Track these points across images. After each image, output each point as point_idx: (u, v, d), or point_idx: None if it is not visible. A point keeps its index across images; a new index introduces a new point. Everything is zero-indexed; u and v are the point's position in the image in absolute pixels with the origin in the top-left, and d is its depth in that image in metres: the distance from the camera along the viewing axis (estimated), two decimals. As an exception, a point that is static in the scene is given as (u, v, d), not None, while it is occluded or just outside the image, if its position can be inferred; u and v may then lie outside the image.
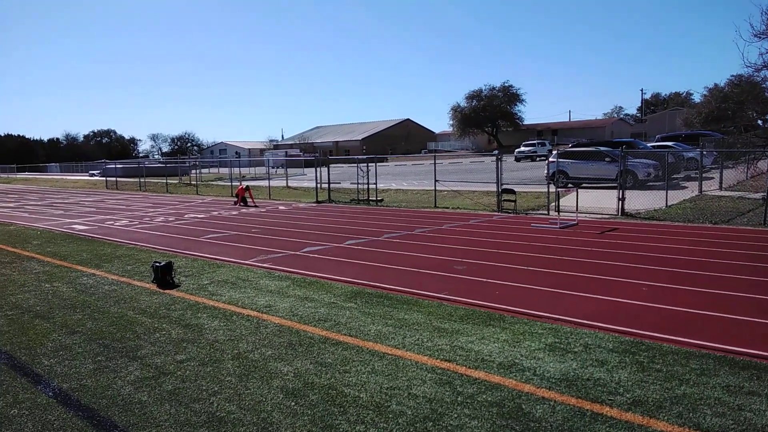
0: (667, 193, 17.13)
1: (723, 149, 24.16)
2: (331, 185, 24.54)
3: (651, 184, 21.12)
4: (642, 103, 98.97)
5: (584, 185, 21.06)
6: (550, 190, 17.52)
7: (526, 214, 17.14)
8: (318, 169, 25.50)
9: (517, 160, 51.75)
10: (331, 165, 26.03)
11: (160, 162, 61.39)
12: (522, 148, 54.64)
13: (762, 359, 5.12)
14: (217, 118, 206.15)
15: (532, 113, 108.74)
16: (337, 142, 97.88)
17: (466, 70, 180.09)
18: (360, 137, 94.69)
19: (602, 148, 23.79)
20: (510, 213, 17.41)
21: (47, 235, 15.05)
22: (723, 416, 4.11)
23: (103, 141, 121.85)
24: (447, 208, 19.53)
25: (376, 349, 5.67)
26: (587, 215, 15.88)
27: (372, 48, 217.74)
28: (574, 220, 14.68)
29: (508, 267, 9.39)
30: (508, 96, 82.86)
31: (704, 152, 21.76)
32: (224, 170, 46.56)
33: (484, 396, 4.55)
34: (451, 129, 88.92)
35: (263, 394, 4.71)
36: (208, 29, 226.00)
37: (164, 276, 8.73)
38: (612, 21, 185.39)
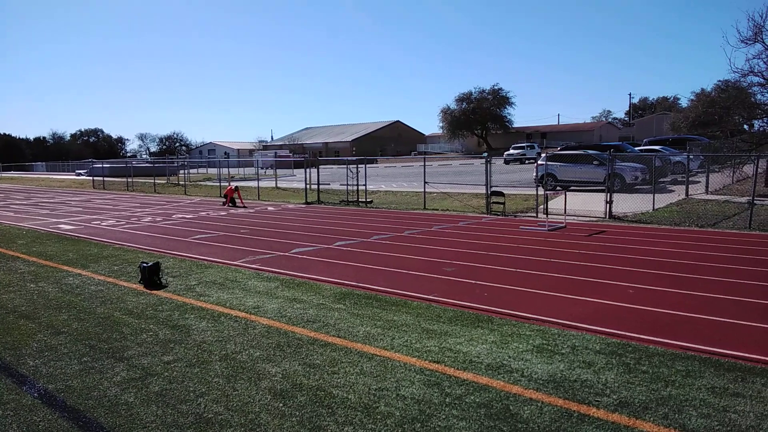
0: (654, 196, 17.29)
1: (709, 153, 24.41)
2: (321, 186, 24.51)
3: (638, 187, 21.31)
4: (630, 107, 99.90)
5: (572, 188, 21.19)
6: (539, 192, 17.60)
7: (515, 216, 17.21)
8: (307, 170, 25.46)
9: (507, 162, 51.97)
10: (320, 166, 26.00)
11: (148, 162, 60.98)
12: (511, 151, 54.91)
13: (747, 361, 5.18)
14: (206, 119, 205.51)
15: (521, 116, 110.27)
16: (326, 143, 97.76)
17: (456, 73, 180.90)
18: (350, 138, 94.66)
19: (590, 152, 23.97)
20: (499, 215, 17.47)
21: (33, 235, 14.90)
22: (708, 417, 4.15)
23: (91, 140, 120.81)
24: (436, 209, 19.57)
25: (365, 351, 5.66)
26: (575, 218, 15.98)
27: (363, 49, 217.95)
28: (562, 223, 14.76)
29: (496, 269, 9.43)
30: (498, 99, 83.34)
31: (691, 156, 21.98)
32: (213, 170, 46.37)
33: (472, 397, 4.56)
34: (440, 131, 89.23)
35: (251, 395, 4.69)
36: (198, 30, 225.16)
37: (151, 276, 8.67)
38: (601, 25, 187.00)
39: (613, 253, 10.64)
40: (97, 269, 10.01)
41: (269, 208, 21.80)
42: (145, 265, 8.75)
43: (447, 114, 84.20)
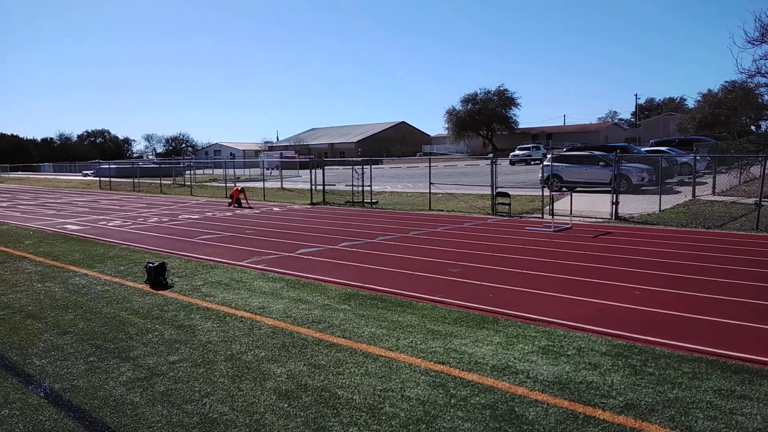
0: (660, 197, 17.21)
1: (716, 154, 24.29)
2: (326, 187, 24.53)
3: (645, 188, 21.22)
4: (636, 108, 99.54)
5: (578, 189, 21.12)
6: (545, 193, 17.57)
7: (521, 217, 17.18)
8: (313, 171, 25.49)
9: (512, 163, 51.87)
10: (325, 167, 26.05)
11: (154, 162, 61.22)
12: (517, 152, 54.76)
13: (754, 363, 5.14)
14: (212, 119, 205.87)
15: (526, 117, 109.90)
16: (332, 144, 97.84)
17: (461, 74, 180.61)
18: (355, 139, 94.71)
19: (596, 153, 23.89)
20: (504, 216, 17.44)
21: (40, 235, 14.97)
22: (715, 420, 4.12)
23: (97, 141, 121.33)
24: (441, 210, 19.55)
25: (370, 351, 5.66)
26: (581, 219, 15.93)
27: (368, 50, 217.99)
28: (568, 224, 14.72)
29: (502, 270, 9.41)
30: (503, 100, 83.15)
31: (698, 157, 21.88)
32: (219, 171, 46.52)
33: (478, 398, 4.55)
34: (446, 132, 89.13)
35: (256, 395, 4.70)
36: (205, 32, 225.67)
37: (157, 277, 8.69)
38: (607, 26, 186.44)
39: (619, 255, 10.60)
40: (103, 269, 10.05)
41: (275, 209, 21.84)
42: (151, 265, 8.78)
43: (452, 115, 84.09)
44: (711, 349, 5.48)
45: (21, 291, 8.56)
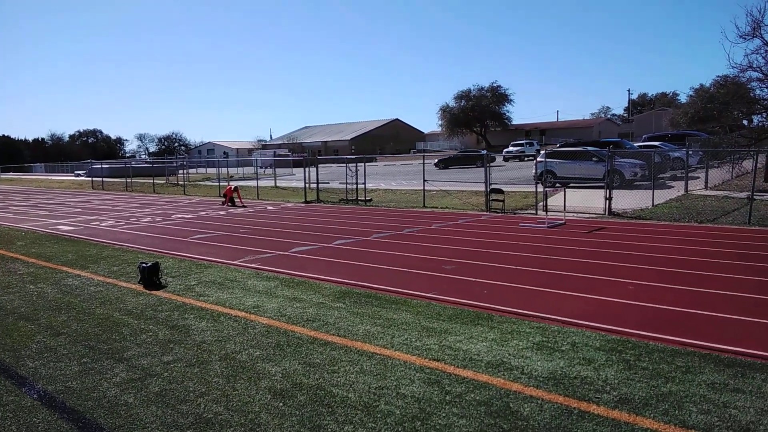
0: (653, 192, 17.29)
1: (709, 149, 24.40)
2: (320, 185, 24.49)
3: (638, 183, 21.31)
4: (629, 103, 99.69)
5: (572, 185, 21.17)
6: (538, 189, 17.61)
7: (515, 213, 17.21)
8: (306, 169, 25.47)
9: (506, 160, 51.98)
10: (319, 165, 25.98)
11: (147, 162, 60.92)
12: (510, 148, 54.88)
13: (747, 357, 5.17)
14: (205, 118, 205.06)
15: (520, 113, 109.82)
16: (325, 142, 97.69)
17: (454, 71, 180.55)
18: (349, 137, 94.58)
19: (590, 148, 23.95)
20: (498, 212, 17.47)
21: (32, 236, 14.88)
22: (708, 413, 4.14)
23: (89, 141, 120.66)
24: (436, 207, 19.56)
25: (365, 349, 5.66)
26: (575, 214, 15.97)
27: (361, 48, 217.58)
28: (562, 220, 14.76)
29: (496, 266, 9.42)
30: (497, 96, 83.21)
31: (690, 152, 22.00)
32: (212, 170, 46.33)
33: (473, 395, 4.56)
34: (439, 129, 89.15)
35: (251, 395, 4.69)
36: (196, 29, 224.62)
37: (151, 277, 8.66)
38: (599, 22, 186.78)
39: (612, 250, 10.64)
40: (96, 270, 10.00)
41: (268, 208, 21.79)
42: (144, 265, 8.74)
43: (446, 112, 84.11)
44: (704, 343, 5.51)
45: (13, 292, 8.50)
